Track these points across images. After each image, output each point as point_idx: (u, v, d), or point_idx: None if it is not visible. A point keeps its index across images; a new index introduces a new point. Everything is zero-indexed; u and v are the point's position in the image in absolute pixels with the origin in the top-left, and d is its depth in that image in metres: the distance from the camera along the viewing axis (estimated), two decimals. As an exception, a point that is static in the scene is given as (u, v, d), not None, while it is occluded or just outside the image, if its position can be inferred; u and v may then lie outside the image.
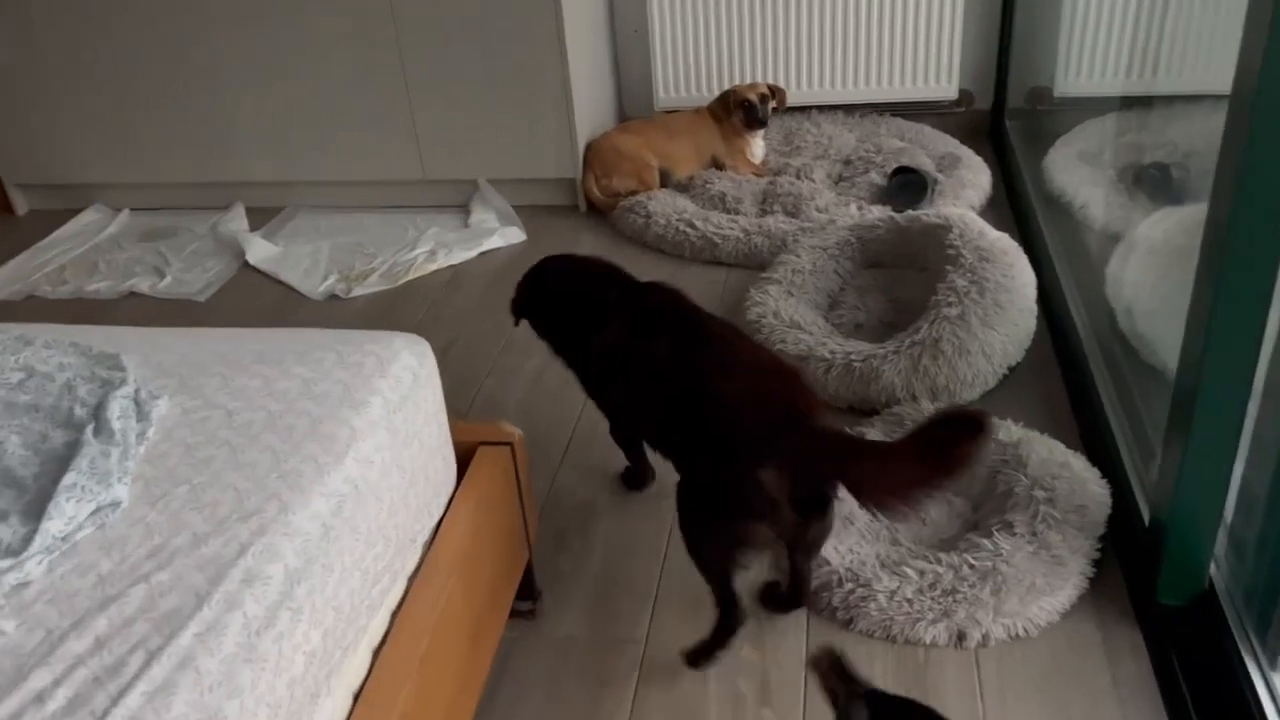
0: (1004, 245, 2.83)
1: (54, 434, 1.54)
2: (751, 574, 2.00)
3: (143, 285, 3.59)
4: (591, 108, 3.93)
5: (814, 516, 1.81)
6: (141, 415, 1.57)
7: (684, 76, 4.24)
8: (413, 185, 4.00)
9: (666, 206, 3.64)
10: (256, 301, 3.49)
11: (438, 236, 3.74)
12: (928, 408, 2.48)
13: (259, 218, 4.06)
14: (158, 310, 3.48)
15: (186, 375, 1.69)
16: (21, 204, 4.32)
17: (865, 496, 1.64)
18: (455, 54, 3.66)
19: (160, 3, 3.76)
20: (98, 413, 1.55)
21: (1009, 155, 3.81)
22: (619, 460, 2.43)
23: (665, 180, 3.83)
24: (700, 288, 3.18)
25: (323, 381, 1.66)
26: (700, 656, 1.93)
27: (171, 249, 3.86)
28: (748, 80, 4.14)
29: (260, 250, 3.73)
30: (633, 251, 3.57)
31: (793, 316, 2.79)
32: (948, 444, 1.55)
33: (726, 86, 4.10)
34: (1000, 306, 2.63)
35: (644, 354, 1.93)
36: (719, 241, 3.41)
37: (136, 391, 1.61)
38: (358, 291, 3.43)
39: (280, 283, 3.56)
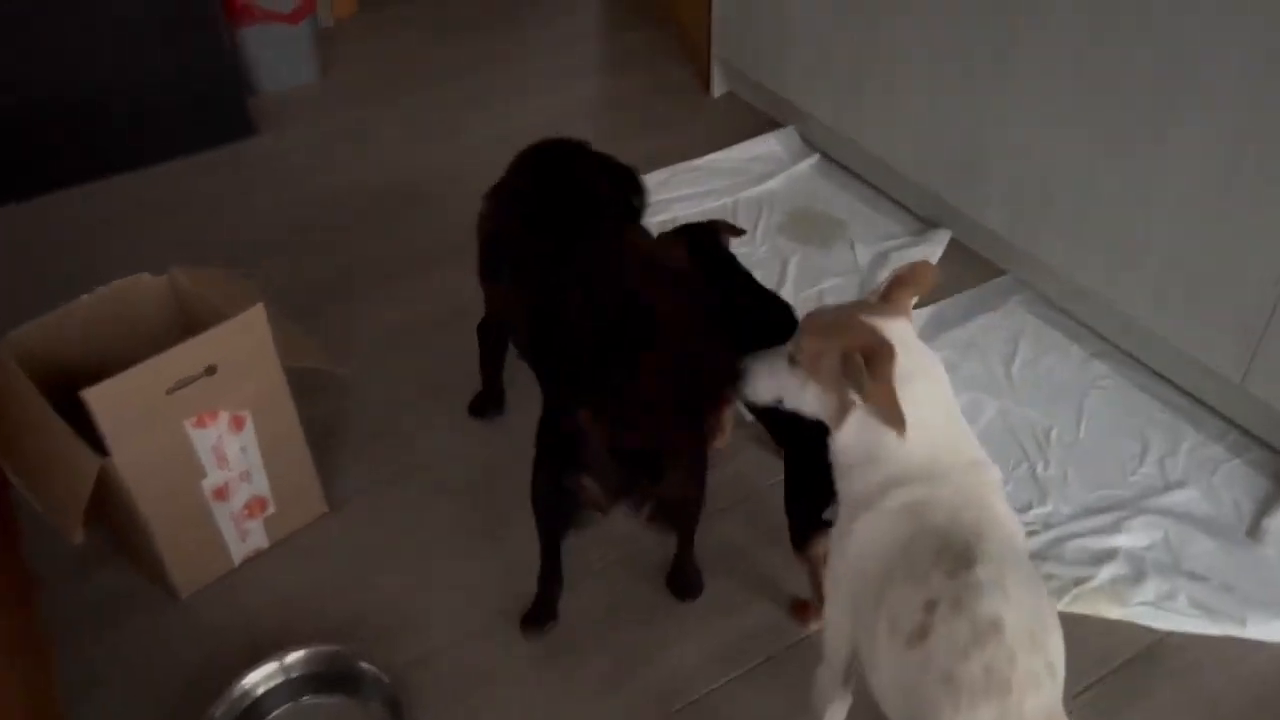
0: None
1: None
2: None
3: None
4: None
5: (648, 476, 1.49)
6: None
7: None
8: (1208, 381, 2.08)
9: None
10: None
11: (1178, 534, 1.87)
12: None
13: (964, 270, 2.50)
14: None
15: None
16: (720, 84, 3.22)
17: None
18: None
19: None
20: None
21: None
22: None
23: None
24: None
25: None
26: (530, 622, 1.77)
27: (803, 266, 2.52)
28: None
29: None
30: None
31: None
32: None
33: None
34: None
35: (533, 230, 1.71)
36: None
37: None
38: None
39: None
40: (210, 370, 1.64)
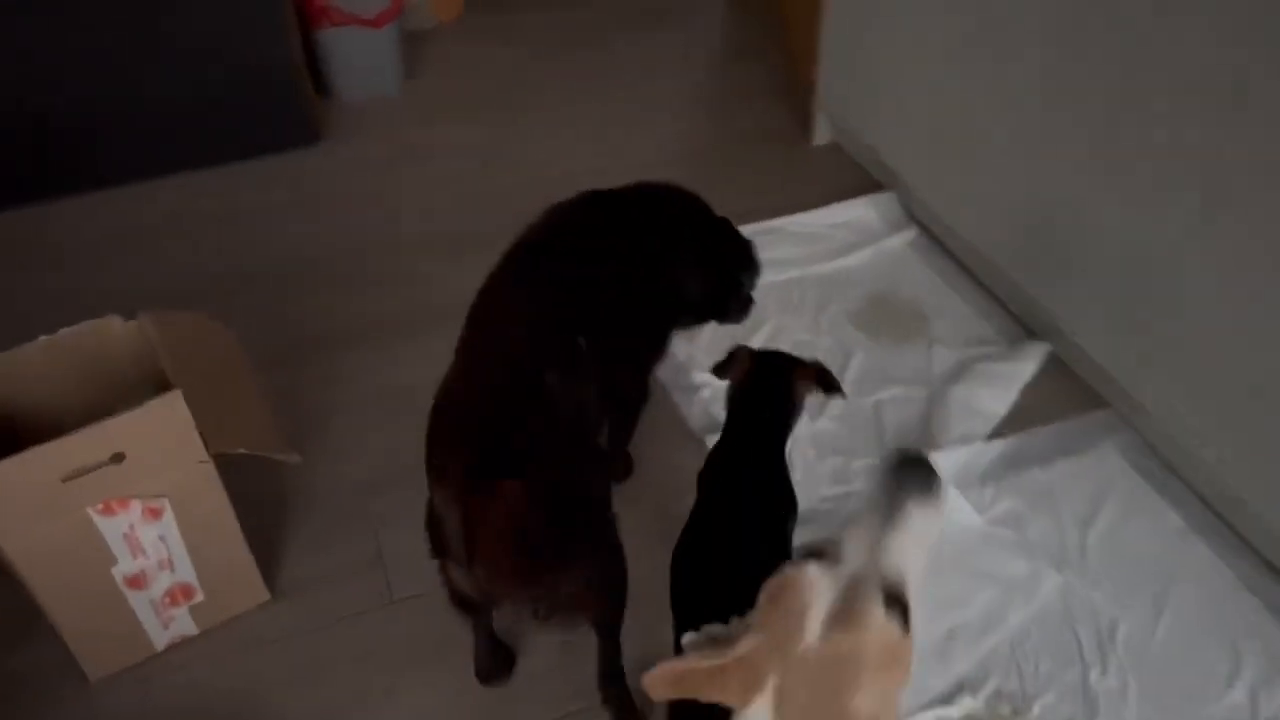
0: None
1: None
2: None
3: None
4: None
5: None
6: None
7: None
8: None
9: None
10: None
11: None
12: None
13: (1060, 396, 2.12)
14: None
15: None
16: (823, 133, 2.89)
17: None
18: None
19: None
20: None
21: None
22: None
23: None
24: None
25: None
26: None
27: (866, 366, 2.19)
28: None
29: (955, 511, 1.87)
30: None
31: None
32: None
33: None
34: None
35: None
36: None
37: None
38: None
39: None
40: (117, 458, 1.47)
